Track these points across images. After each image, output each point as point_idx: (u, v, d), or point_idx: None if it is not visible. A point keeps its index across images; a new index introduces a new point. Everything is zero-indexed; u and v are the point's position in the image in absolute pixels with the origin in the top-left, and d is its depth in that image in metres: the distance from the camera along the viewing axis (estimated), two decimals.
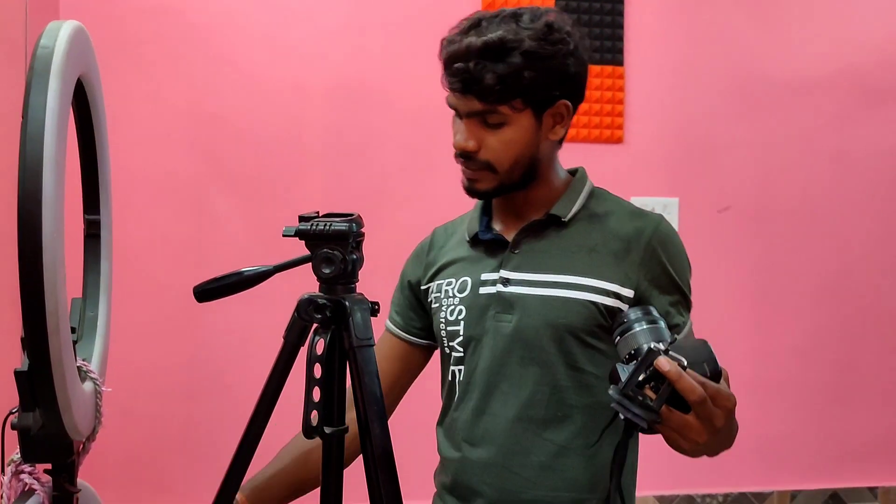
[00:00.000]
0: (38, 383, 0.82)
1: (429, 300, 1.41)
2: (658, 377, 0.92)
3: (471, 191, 1.31)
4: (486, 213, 1.39)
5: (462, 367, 1.33)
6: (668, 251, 1.29)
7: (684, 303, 1.30)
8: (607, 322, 1.25)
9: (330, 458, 1.03)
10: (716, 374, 0.97)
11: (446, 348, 1.36)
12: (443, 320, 1.35)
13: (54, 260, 0.79)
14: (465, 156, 1.26)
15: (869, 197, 2.87)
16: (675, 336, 0.99)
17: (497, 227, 1.37)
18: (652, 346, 0.94)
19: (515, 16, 1.24)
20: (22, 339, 0.84)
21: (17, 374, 0.82)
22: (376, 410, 0.98)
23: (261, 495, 1.29)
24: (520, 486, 1.25)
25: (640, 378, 0.93)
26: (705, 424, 0.93)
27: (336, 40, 2.58)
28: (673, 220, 2.74)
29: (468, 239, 1.38)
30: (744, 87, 2.81)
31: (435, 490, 1.41)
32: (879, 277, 2.89)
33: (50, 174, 0.80)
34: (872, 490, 2.88)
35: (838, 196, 2.86)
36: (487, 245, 1.35)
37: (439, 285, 1.38)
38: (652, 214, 1.33)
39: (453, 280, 1.36)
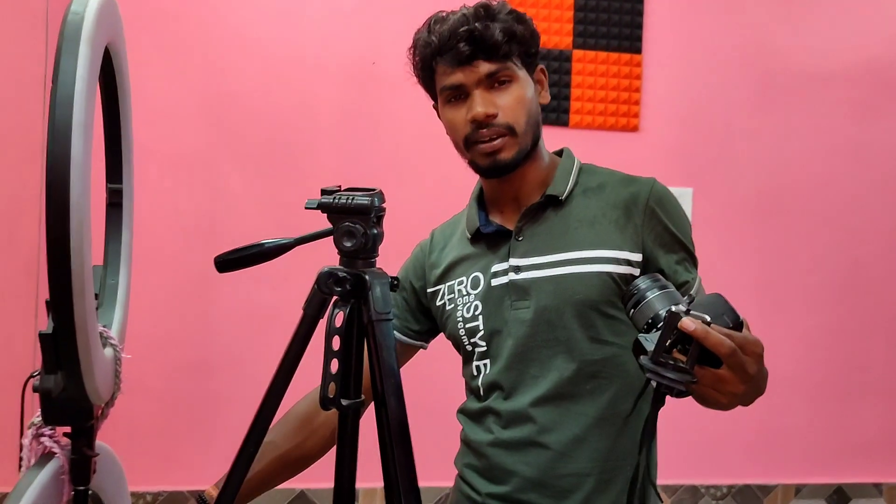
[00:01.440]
0: (62, 345, 0.83)
1: (438, 304, 1.41)
2: (685, 338, 0.92)
3: (493, 166, 1.29)
4: (481, 208, 1.40)
5: (487, 361, 1.34)
6: (666, 210, 1.30)
7: (690, 259, 1.31)
8: (623, 290, 1.26)
9: (345, 430, 1.04)
10: (738, 324, 0.97)
11: (468, 345, 1.36)
12: (460, 319, 1.35)
13: (81, 222, 0.80)
14: (485, 124, 1.26)
15: (885, 191, 2.86)
16: (692, 295, 0.99)
17: (496, 218, 1.38)
18: (673, 308, 0.93)
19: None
20: (47, 302, 0.85)
21: (42, 336, 0.83)
22: (393, 384, 0.99)
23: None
24: (555, 462, 1.27)
25: (668, 343, 0.93)
26: (739, 374, 0.93)
27: (352, 19, 2.58)
28: (687, 210, 2.72)
29: (469, 236, 1.38)
30: (761, 78, 2.79)
31: (456, 473, 1.41)
32: (891, 273, 2.88)
33: (79, 138, 0.80)
34: (878, 486, 2.89)
35: (854, 189, 2.85)
36: (490, 238, 1.36)
37: (451, 286, 1.38)
38: (644, 178, 1.34)
39: (464, 278, 1.36)
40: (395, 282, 1.04)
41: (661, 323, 0.96)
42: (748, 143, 2.79)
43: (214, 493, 1.26)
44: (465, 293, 1.35)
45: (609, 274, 1.27)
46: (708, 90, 2.78)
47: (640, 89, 2.72)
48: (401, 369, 1.43)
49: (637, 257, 1.27)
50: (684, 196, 2.74)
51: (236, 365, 2.52)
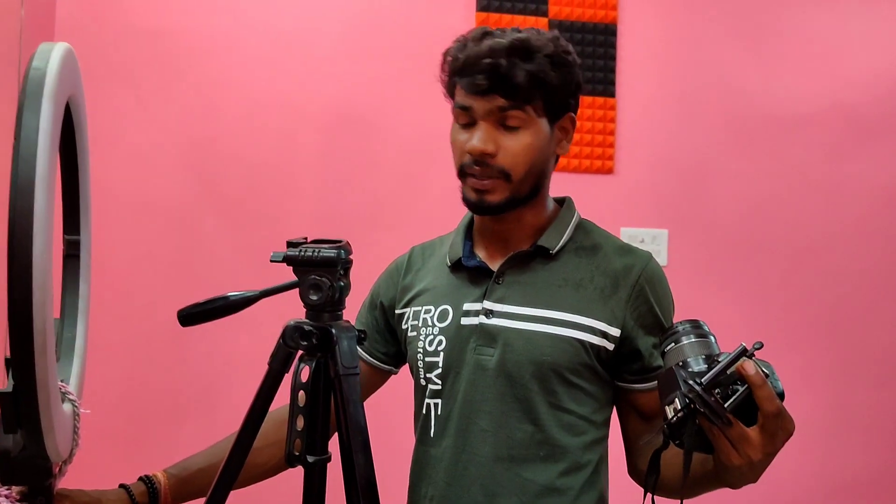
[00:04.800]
0: (22, 404, 0.81)
1: (403, 327, 1.35)
2: (731, 382, 0.92)
3: (479, 203, 1.24)
4: (468, 238, 1.35)
5: (439, 401, 1.27)
6: (655, 291, 1.27)
7: None
8: (592, 361, 1.22)
9: (311, 486, 1.02)
10: (781, 395, 0.96)
11: (422, 380, 1.30)
12: (420, 350, 1.29)
13: (44, 279, 0.79)
14: (480, 162, 1.21)
15: (859, 232, 2.89)
16: (760, 342, 0.98)
17: (480, 253, 1.32)
18: (745, 345, 0.93)
19: (523, 29, 1.24)
20: (6, 360, 0.84)
21: (2, 395, 0.81)
22: (360, 440, 0.98)
23: (183, 487, 1.24)
24: None
25: (723, 376, 0.92)
26: (766, 441, 0.92)
27: (330, 66, 2.59)
28: (662, 251, 2.75)
29: (449, 264, 1.33)
30: (735, 120, 2.83)
31: None
32: (870, 313, 2.90)
33: (42, 194, 0.80)
34: None
35: (829, 231, 2.87)
36: (470, 272, 1.30)
37: (416, 312, 1.32)
38: (641, 252, 1.30)
39: (432, 308, 1.30)
40: (363, 335, 1.04)
41: (710, 359, 0.97)
42: (722, 185, 2.82)
43: (162, 478, 1.22)
44: (430, 324, 1.29)
45: (581, 342, 1.21)
46: (682, 132, 2.81)
47: (615, 132, 2.75)
48: (366, 400, 1.42)
49: (615, 332, 1.23)
50: (660, 238, 2.76)
51: (209, 413, 2.49)
